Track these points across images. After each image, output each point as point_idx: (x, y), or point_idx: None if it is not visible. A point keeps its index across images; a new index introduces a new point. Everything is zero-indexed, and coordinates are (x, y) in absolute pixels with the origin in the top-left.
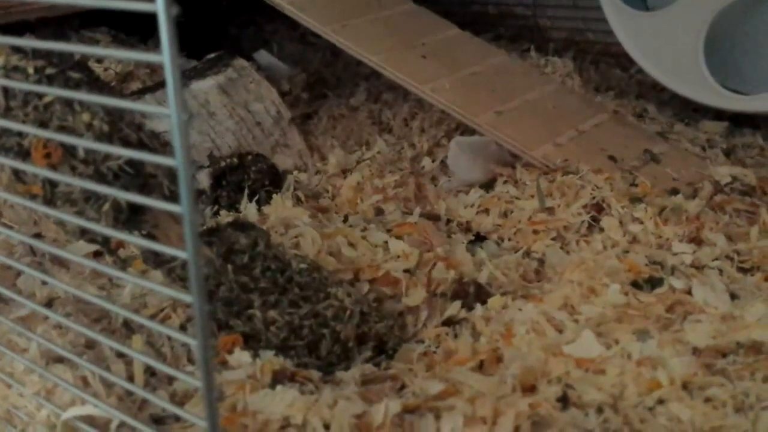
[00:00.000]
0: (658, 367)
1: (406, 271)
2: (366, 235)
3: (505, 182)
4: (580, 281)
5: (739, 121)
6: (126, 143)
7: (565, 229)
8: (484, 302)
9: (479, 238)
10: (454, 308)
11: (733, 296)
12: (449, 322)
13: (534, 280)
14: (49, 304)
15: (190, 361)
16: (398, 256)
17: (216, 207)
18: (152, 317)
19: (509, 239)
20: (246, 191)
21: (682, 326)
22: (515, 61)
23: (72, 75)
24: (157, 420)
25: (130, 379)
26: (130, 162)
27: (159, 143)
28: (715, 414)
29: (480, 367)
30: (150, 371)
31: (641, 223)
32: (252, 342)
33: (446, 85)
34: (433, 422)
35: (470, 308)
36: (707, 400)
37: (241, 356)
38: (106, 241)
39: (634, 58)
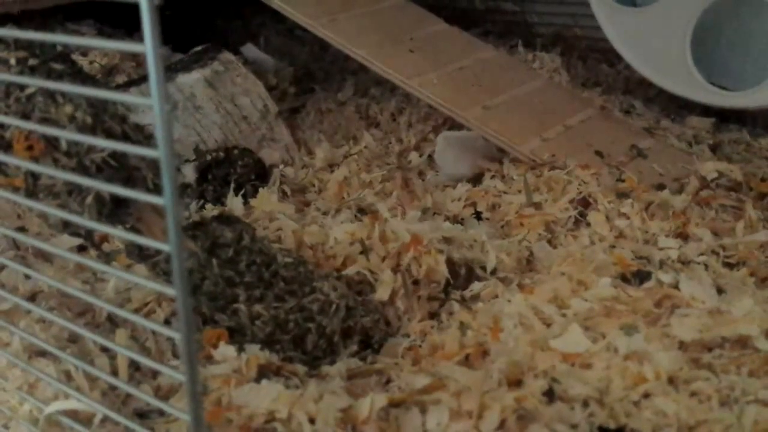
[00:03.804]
0: (644, 362)
1: (362, 252)
2: (324, 223)
3: (493, 177)
4: (570, 274)
5: (726, 117)
6: (109, 135)
7: (553, 224)
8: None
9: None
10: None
11: (720, 291)
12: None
13: (526, 270)
14: (32, 298)
15: (175, 355)
16: (351, 243)
17: (202, 201)
18: (136, 311)
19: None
20: (232, 185)
21: (669, 320)
22: (503, 56)
23: (54, 66)
24: (141, 414)
25: (114, 373)
26: (114, 155)
27: (143, 136)
28: (700, 408)
29: (466, 361)
30: (134, 365)
31: (628, 218)
32: (237, 336)
33: (434, 79)
34: (419, 416)
35: (463, 289)
36: (693, 394)
37: (226, 350)
38: (89, 234)
39: (622, 54)
